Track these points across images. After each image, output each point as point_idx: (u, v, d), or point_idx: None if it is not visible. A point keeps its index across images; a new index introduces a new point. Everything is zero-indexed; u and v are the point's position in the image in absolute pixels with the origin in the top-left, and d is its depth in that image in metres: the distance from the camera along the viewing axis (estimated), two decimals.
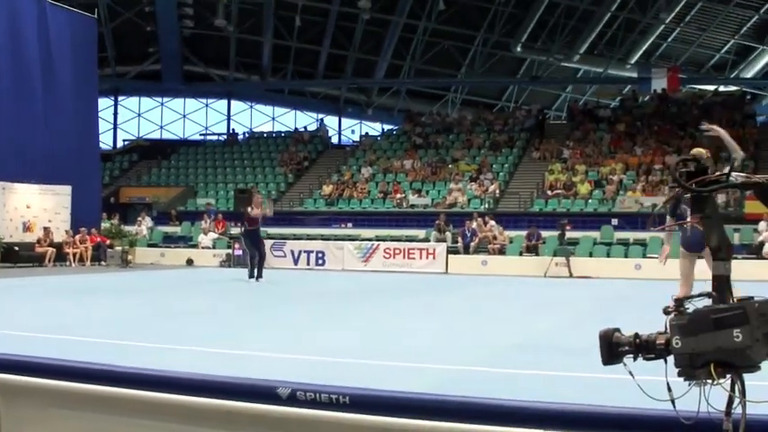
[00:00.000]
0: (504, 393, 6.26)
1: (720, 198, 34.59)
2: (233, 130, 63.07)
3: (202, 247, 39.23)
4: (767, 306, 3.71)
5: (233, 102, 66.77)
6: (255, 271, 25.93)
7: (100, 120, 47.26)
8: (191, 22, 56.11)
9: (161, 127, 67.52)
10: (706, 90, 58.70)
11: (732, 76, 59.35)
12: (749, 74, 59.66)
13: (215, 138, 62.90)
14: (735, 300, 3.79)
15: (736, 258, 27.60)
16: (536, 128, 51.31)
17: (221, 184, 50.70)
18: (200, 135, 65.37)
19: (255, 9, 55.60)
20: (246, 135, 61.87)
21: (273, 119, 68.40)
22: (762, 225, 33.49)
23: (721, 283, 3.86)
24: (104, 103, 60.19)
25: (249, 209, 26.58)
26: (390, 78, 63.14)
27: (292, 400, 4.87)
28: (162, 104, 67.54)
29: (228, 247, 37.84)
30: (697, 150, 11.02)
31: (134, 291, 22.62)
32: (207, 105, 67.73)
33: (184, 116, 67.79)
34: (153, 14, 54.60)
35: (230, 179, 51.17)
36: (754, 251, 32.77)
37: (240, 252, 35.43)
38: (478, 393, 5.83)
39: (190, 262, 37.81)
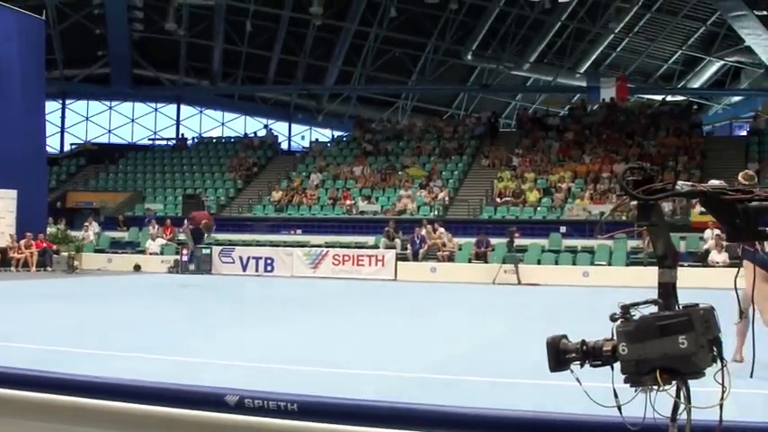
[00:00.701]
0: (451, 400, 6.26)
1: (667, 206, 34.94)
2: (182, 134, 62.53)
3: (150, 253, 38.91)
4: (712, 313, 3.75)
5: (182, 106, 66.21)
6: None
7: (47, 123, 46.78)
8: (140, 25, 55.65)
9: (109, 131, 66.89)
10: (654, 100, 59.29)
11: (679, 86, 60.00)
12: (696, 84, 60.34)
13: (164, 142, 62.35)
14: (680, 307, 3.83)
15: (682, 266, 27.99)
16: (488, 131, 51.53)
17: (170, 189, 50.30)
18: (149, 140, 64.78)
19: (206, 13, 55.31)
20: (196, 140, 61.43)
21: (223, 124, 68.09)
22: (707, 233, 33.82)
23: (667, 291, 3.89)
24: (52, 107, 59.47)
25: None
26: (341, 85, 63.09)
27: (240, 407, 4.85)
28: (110, 108, 66.93)
29: (176, 253, 37.57)
30: None
31: (80, 297, 22.41)
32: (156, 110, 67.22)
33: (133, 120, 67.23)
34: (102, 17, 54.03)
35: (179, 184, 50.78)
36: (700, 259, 33.09)
37: (186, 258, 35.37)
38: (425, 400, 5.84)
39: (137, 268, 37.49)
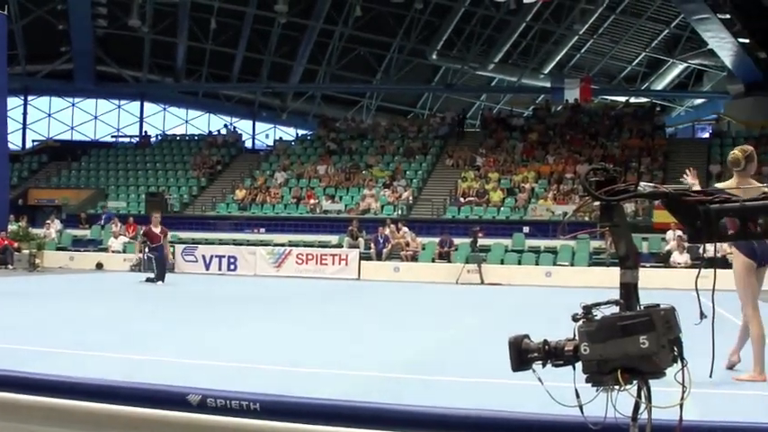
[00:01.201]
0: (413, 400, 6.27)
1: (629, 207, 35.14)
2: (145, 132, 62.18)
3: (112, 251, 38.67)
4: (672, 313, 3.78)
5: (146, 104, 66.04)
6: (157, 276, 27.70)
7: (8, 119, 46.37)
8: (104, 21, 55.30)
9: (72, 128, 66.50)
10: (617, 101, 59.68)
11: (643, 88, 60.55)
12: (659, 86, 60.86)
13: (127, 140, 62.00)
14: (642, 307, 3.85)
15: (644, 267, 28.06)
16: (456, 128, 51.74)
17: (132, 187, 49.99)
18: (112, 137, 64.37)
19: (170, 10, 55.06)
20: (159, 138, 61.12)
21: (187, 122, 67.89)
22: (669, 234, 34.06)
23: (629, 291, 3.91)
24: (13, 103, 58.91)
25: (151, 227, 28.56)
26: (305, 83, 63.11)
27: (203, 406, 4.83)
28: (73, 105, 66.56)
29: (139, 251, 37.36)
30: None
31: (40, 295, 22.25)
32: (119, 107, 66.94)
33: (96, 117, 66.90)
34: (65, 13, 53.61)
35: (142, 182, 50.49)
36: (662, 260, 33.32)
37: (150, 256, 35.16)
38: (388, 400, 5.84)
39: (99, 266, 37.25)
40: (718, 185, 9.34)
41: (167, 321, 15.73)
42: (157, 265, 28.03)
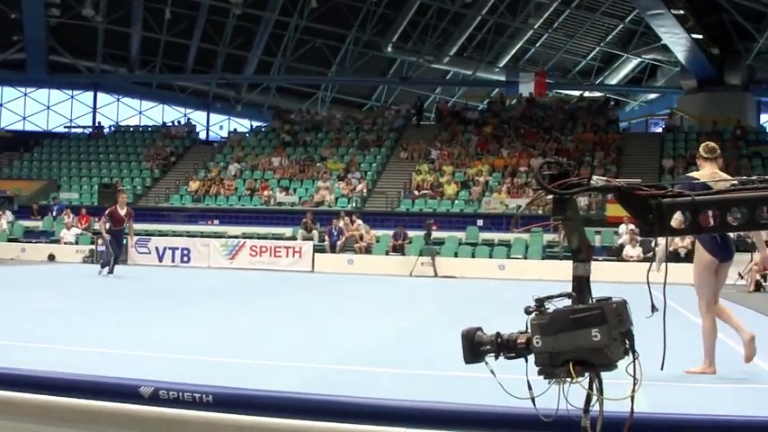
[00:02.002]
0: (366, 392, 6.27)
1: (582, 201, 35.37)
2: (99, 123, 61.54)
3: (65, 243, 38.39)
4: (624, 306, 3.81)
5: (99, 94, 65.37)
6: (111, 267, 26.18)
7: None
8: (57, 10, 54.54)
9: (24, 118, 65.74)
10: (572, 95, 60.08)
11: (597, 82, 60.89)
12: (613, 81, 61.26)
13: (80, 130, 61.37)
14: (594, 300, 3.88)
15: (596, 260, 28.32)
16: (415, 115, 52.04)
17: (86, 178, 49.57)
18: (65, 127, 63.74)
19: (125, 0, 54.62)
20: (112, 128, 60.48)
21: (141, 112, 67.40)
22: (622, 228, 34.34)
23: (581, 284, 3.94)
24: None
25: (117, 207, 26.77)
26: (260, 75, 62.84)
27: (155, 399, 4.81)
28: (25, 95, 65.77)
29: (92, 242, 37.11)
30: None
31: None
32: (72, 97, 66.27)
33: (48, 107, 66.21)
34: (17, 1, 52.94)
35: (95, 173, 50.08)
36: (615, 253, 33.60)
37: (103, 248, 34.91)
38: (341, 392, 5.84)
39: (52, 258, 36.97)
40: (693, 174, 9.41)
41: (119, 313, 15.62)
42: (111, 249, 26.73)
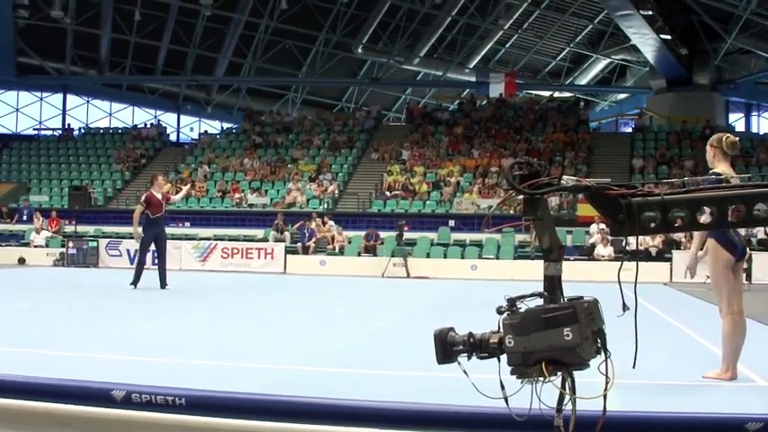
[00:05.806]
0: (338, 393, 6.27)
1: (553, 201, 35.53)
2: (68, 125, 61.29)
3: (35, 246, 38.19)
4: (595, 305, 3.83)
5: (69, 96, 65.10)
6: (136, 276, 22.17)
7: None
8: (25, 12, 54.14)
9: None
10: (542, 96, 60.29)
11: (567, 82, 61.12)
12: (583, 81, 61.54)
13: (49, 133, 61.09)
14: (565, 300, 3.90)
15: (567, 260, 28.36)
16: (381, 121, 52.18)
17: (56, 180, 49.36)
18: (34, 129, 63.50)
19: (94, 1, 54.31)
20: (82, 131, 60.27)
21: (111, 114, 67.13)
22: (593, 227, 34.50)
23: (552, 284, 3.96)
24: None
25: (152, 191, 22.02)
26: (231, 76, 62.78)
27: (127, 402, 4.79)
28: None
29: (62, 245, 36.93)
30: None
31: None
32: (41, 99, 65.94)
33: (17, 110, 65.83)
34: None
35: (65, 176, 49.86)
36: (586, 253, 33.75)
37: (74, 251, 34.81)
38: (313, 394, 5.83)
39: (22, 261, 36.77)
40: (717, 170, 8.88)
41: (90, 316, 15.53)
42: (140, 254, 22.75)
